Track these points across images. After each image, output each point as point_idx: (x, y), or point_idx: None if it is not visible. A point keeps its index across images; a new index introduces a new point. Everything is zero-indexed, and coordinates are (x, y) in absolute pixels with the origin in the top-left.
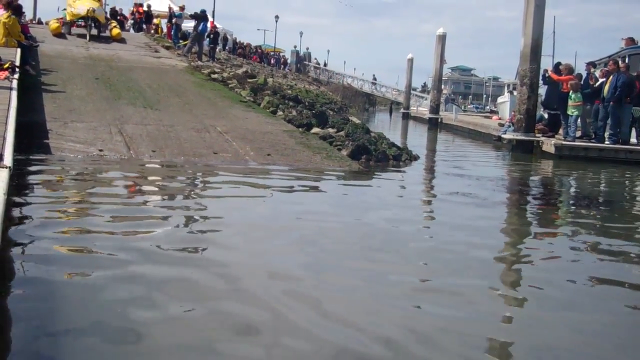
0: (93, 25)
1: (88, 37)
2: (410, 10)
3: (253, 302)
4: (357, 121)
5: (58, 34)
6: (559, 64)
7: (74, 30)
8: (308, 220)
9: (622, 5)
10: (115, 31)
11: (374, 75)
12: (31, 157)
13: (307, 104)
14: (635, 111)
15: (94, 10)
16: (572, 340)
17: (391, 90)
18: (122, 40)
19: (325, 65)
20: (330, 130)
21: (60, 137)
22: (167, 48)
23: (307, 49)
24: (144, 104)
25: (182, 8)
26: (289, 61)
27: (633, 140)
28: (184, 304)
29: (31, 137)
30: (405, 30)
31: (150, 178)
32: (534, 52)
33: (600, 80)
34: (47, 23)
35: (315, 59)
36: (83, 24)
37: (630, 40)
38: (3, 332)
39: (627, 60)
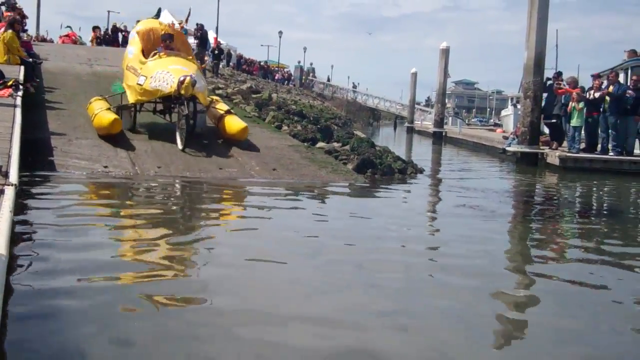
0: (188, 111)
1: (182, 144)
2: (414, 24)
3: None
4: (362, 135)
5: (110, 134)
6: (559, 74)
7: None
8: (316, 237)
9: (625, 18)
10: (235, 125)
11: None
12: (36, 173)
13: (311, 118)
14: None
15: (193, 83)
16: None
17: (395, 104)
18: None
19: (328, 80)
20: (335, 144)
21: (65, 154)
22: None
23: (311, 64)
24: (148, 121)
25: (181, 24)
26: (293, 76)
27: (637, 151)
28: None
29: (36, 155)
30: (409, 45)
31: (155, 195)
32: (537, 65)
33: (598, 93)
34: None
35: (315, 76)
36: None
37: (633, 53)
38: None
39: (629, 72)
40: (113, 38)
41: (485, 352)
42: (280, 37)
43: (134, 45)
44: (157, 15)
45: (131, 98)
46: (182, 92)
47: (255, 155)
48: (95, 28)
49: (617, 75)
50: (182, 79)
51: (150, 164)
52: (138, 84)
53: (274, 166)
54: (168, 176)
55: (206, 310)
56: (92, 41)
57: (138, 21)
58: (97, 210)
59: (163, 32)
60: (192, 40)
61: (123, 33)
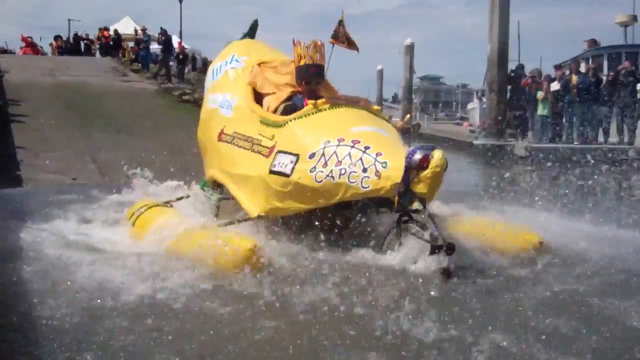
0: (437, 234)
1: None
2: (378, 22)
3: None
4: None
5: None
6: (522, 66)
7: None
8: None
9: (584, 8)
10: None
11: None
12: (1, 189)
13: None
14: (602, 110)
15: (444, 165)
16: None
17: None
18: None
19: None
20: None
21: (32, 167)
22: (136, 72)
23: None
24: (116, 130)
25: (143, 30)
26: None
27: (601, 139)
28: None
29: (1, 170)
30: (374, 42)
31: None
32: (501, 57)
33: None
34: None
35: None
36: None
37: (593, 42)
38: None
39: (590, 62)
40: (75, 47)
41: None
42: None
43: (239, 94)
44: (252, 32)
45: (254, 204)
46: (422, 187)
47: None
48: (56, 37)
49: (578, 65)
50: (417, 156)
51: (120, 174)
52: (276, 172)
53: None
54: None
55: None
56: (53, 51)
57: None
58: (64, 223)
59: (301, 64)
60: (155, 46)
61: (85, 41)
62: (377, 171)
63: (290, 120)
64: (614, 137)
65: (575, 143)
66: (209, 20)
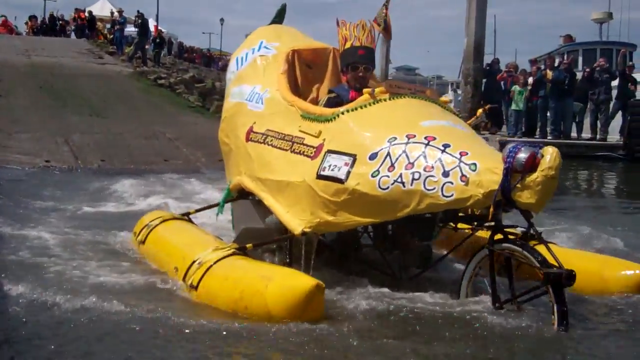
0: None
1: None
2: (353, 10)
3: None
4: None
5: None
6: (497, 60)
7: None
8: None
9: (559, 3)
10: None
11: None
12: None
13: None
14: (576, 106)
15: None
16: None
17: None
18: None
19: None
20: None
21: (4, 149)
22: (111, 54)
23: None
24: (90, 112)
25: (120, 12)
26: None
27: (574, 134)
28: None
29: None
30: None
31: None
32: (477, 50)
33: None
34: None
35: None
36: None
37: (568, 38)
38: None
39: (565, 57)
40: (50, 27)
41: None
42: (222, 24)
43: (271, 85)
44: (280, 19)
45: (297, 218)
46: (528, 196)
47: (202, 146)
48: (31, 17)
49: (554, 60)
50: (522, 155)
51: (93, 157)
52: (326, 177)
53: (220, 157)
54: (112, 169)
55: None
56: (28, 31)
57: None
58: (38, 206)
59: (346, 46)
60: (132, 29)
61: (60, 22)
62: (463, 175)
63: (343, 113)
64: (587, 133)
65: (548, 138)
66: (186, 5)
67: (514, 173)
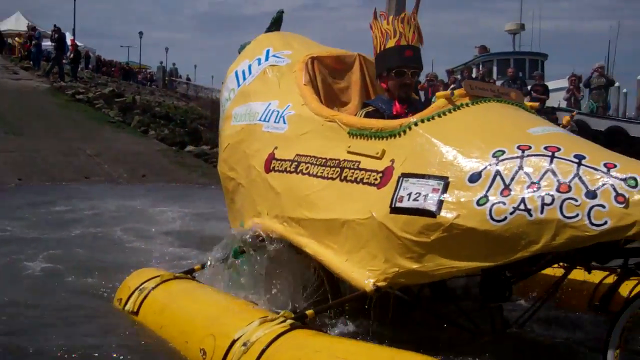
0: None
1: None
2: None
3: None
4: None
5: None
6: None
7: None
8: None
9: (473, 15)
10: None
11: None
12: None
13: (178, 121)
14: None
15: None
16: None
17: None
18: None
19: (189, 79)
20: (205, 147)
21: None
22: (27, 69)
23: (174, 64)
24: (5, 130)
25: (33, 28)
26: (155, 77)
27: None
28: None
29: None
30: None
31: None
32: None
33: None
34: None
35: (181, 76)
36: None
37: (483, 48)
38: None
39: (480, 67)
40: None
41: None
42: (140, 37)
43: (293, 99)
44: (277, 26)
45: (364, 269)
46: None
47: (123, 162)
48: None
49: (471, 70)
50: None
51: (10, 177)
52: (405, 209)
53: (143, 172)
54: (29, 188)
55: None
56: None
57: (242, 46)
58: None
59: (388, 46)
60: (48, 43)
61: None
62: (619, 195)
63: (416, 124)
64: None
65: None
66: (103, 18)
67: None
